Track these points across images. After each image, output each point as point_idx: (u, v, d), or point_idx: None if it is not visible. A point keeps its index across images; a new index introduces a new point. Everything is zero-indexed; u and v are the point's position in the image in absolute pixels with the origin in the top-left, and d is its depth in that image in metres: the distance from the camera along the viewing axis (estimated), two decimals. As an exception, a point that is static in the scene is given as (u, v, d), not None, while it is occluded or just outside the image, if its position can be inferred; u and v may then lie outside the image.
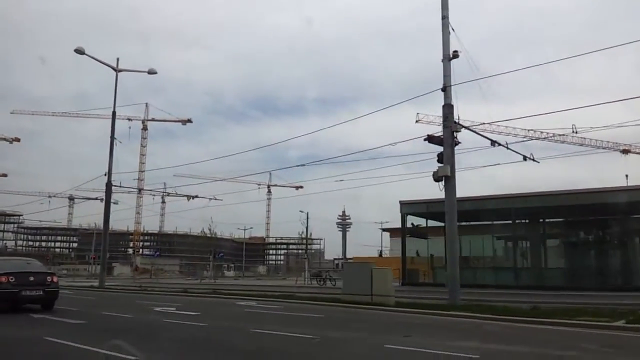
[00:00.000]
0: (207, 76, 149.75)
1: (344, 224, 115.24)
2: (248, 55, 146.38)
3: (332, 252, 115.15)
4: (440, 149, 16.24)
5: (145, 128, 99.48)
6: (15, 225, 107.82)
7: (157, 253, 52.66)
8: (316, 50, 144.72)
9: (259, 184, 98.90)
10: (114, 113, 30.74)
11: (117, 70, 30.61)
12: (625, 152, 72.48)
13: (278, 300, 18.52)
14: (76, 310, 14.88)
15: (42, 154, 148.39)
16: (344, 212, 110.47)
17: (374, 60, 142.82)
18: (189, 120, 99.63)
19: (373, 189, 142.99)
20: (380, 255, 65.51)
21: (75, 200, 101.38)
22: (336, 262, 79.98)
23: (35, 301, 13.97)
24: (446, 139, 15.90)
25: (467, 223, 31.36)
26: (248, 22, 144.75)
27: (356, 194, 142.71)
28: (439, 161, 16.20)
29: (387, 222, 76.90)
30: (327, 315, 13.79)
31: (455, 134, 15.99)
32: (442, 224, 32.87)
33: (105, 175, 30.42)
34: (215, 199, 36.16)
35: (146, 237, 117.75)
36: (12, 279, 13.29)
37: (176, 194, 44.90)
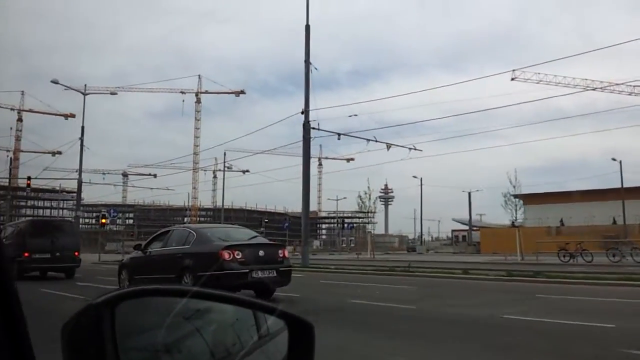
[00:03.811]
0: (239, 51, 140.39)
1: (386, 197, 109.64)
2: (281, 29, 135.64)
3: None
4: None
5: (198, 101, 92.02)
6: (72, 202, 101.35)
7: (286, 225, 44.75)
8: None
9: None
10: (307, 26, 22.10)
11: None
12: None
13: None
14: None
15: (90, 132, 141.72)
16: (386, 185, 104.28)
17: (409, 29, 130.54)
18: (242, 92, 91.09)
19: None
20: (513, 225, 56.86)
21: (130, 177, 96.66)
22: (455, 234, 71.74)
23: (259, 285, 9.86)
24: None
25: None
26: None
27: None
28: None
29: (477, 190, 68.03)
30: None
31: None
32: None
33: (302, 113, 22.03)
34: (415, 149, 26.82)
35: (201, 213, 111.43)
36: (238, 254, 9.59)
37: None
